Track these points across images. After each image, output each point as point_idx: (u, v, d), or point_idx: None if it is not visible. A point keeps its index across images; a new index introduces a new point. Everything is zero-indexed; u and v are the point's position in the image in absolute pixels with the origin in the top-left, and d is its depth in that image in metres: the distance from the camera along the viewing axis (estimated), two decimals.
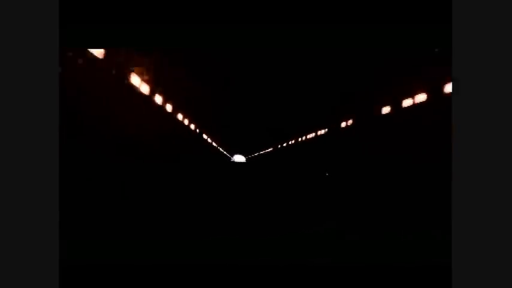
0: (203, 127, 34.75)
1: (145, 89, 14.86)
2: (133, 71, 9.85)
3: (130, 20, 7.21)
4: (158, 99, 17.69)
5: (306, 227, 4.94)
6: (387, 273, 2.98)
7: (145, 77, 14.41)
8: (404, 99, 13.56)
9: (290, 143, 44.09)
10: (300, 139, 37.20)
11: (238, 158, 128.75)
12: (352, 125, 19.32)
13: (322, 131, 26.66)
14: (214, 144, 58.74)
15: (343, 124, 20.81)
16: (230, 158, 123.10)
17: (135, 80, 13.60)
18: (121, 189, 8.92)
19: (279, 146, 56.16)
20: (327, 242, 4.07)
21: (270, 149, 70.19)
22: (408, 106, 13.26)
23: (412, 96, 12.91)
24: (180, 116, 22.66)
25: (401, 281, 2.83)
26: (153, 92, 16.19)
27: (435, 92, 11.39)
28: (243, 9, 7.18)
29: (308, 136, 32.56)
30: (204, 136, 38.03)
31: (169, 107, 19.22)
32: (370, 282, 2.79)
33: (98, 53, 10.48)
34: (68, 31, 5.94)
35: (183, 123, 24.20)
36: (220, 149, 69.58)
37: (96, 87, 10.52)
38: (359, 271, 3.02)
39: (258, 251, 3.56)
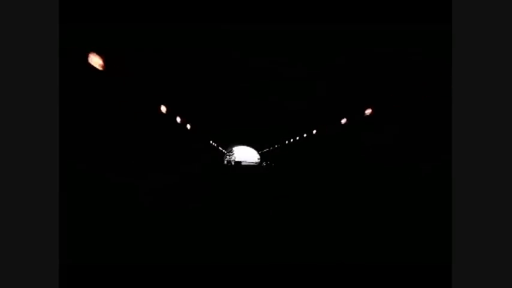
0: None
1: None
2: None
3: (130, 20, 7.22)
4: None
5: (305, 227, 4.93)
6: (387, 273, 2.97)
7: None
8: (403, 98, 13.58)
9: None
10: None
11: (244, 156, 63.60)
12: (348, 123, 19.29)
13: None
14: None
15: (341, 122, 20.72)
16: (227, 156, 59.39)
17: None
18: (121, 190, 8.91)
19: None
20: (326, 242, 4.07)
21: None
22: (407, 105, 13.28)
23: (412, 95, 12.92)
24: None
25: (402, 281, 2.83)
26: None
27: (434, 92, 11.40)
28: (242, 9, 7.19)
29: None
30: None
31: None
32: (370, 282, 2.78)
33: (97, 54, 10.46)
34: (68, 31, 5.94)
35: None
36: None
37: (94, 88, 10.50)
38: (359, 271, 3.02)
39: (257, 252, 3.56)
